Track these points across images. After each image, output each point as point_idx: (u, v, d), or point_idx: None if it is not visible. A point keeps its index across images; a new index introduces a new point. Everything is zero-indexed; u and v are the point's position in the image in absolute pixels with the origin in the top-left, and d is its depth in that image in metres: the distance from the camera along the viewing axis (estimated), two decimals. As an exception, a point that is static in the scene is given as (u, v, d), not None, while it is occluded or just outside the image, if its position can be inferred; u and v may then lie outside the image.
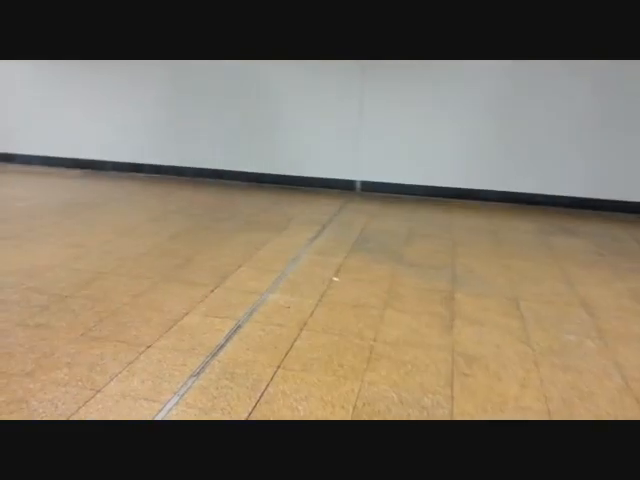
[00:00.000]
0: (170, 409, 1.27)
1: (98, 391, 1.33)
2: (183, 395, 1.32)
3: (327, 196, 3.54)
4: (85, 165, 4.22)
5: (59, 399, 1.29)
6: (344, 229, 2.80)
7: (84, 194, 3.48)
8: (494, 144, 3.36)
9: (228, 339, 1.60)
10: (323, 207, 3.24)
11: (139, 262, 2.23)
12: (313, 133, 3.66)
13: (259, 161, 3.85)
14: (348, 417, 1.27)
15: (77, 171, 4.18)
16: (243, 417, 1.25)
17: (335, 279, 2.11)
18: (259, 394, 1.34)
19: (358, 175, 3.67)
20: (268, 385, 1.38)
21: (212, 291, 1.94)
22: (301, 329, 1.69)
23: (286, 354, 1.53)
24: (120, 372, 1.41)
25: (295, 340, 1.62)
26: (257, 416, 1.26)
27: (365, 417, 1.28)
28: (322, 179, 3.75)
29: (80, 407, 1.27)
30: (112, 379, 1.38)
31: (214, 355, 1.50)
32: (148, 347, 1.54)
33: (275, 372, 1.44)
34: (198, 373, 1.41)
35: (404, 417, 1.28)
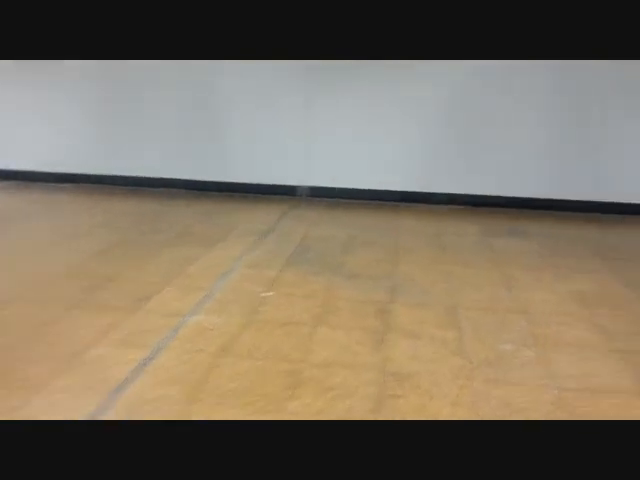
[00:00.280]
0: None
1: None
2: (77, 442, 1.20)
3: (270, 203, 3.44)
4: (9, 176, 3.97)
5: None
6: (283, 239, 2.71)
7: (1, 208, 3.26)
8: (445, 146, 3.35)
9: (137, 372, 1.47)
10: (264, 216, 3.15)
11: (51, 285, 2.07)
12: (256, 137, 3.56)
13: (200, 168, 3.71)
14: (263, 455, 1.18)
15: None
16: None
17: (267, 294, 2.01)
18: (165, 435, 1.23)
19: (304, 180, 3.59)
20: (177, 423, 1.27)
21: (128, 316, 1.81)
22: (223, 354, 1.59)
23: (201, 386, 1.42)
24: None
25: (215, 368, 1.51)
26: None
27: (282, 454, 1.19)
28: (266, 185, 3.65)
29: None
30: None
31: (118, 392, 1.38)
32: (39, 390, 1.40)
33: (185, 409, 1.33)
34: (94, 416, 1.28)
35: (325, 450, 1.20)
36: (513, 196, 3.35)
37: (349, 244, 2.64)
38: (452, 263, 2.40)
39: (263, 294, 2.01)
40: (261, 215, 3.15)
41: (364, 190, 3.51)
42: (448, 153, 3.36)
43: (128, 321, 1.78)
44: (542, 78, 3.12)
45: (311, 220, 3.07)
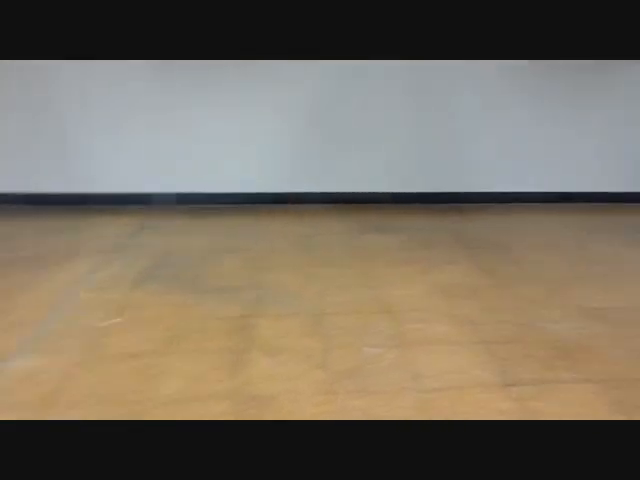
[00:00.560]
0: None
1: None
2: None
3: (124, 215, 3.15)
4: None
5: None
6: (136, 255, 2.47)
7: None
8: (313, 144, 3.31)
9: None
10: (115, 230, 2.86)
11: None
12: (108, 142, 3.23)
13: (45, 179, 3.29)
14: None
15: None
16: None
17: (111, 323, 1.79)
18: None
19: (164, 187, 3.35)
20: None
21: None
22: (48, 407, 1.36)
23: (12, 450, 1.19)
24: None
25: (34, 424, 1.28)
26: None
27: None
28: (121, 195, 3.34)
29: None
30: None
31: None
32: None
33: (-14, 484, 1.10)
34: None
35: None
36: (382, 192, 3.42)
37: (212, 254, 2.48)
38: (320, 265, 2.36)
39: (105, 323, 1.79)
40: (112, 229, 2.86)
41: (231, 194, 3.36)
42: (316, 152, 3.33)
43: None
44: (396, 78, 3.20)
45: (170, 231, 2.85)
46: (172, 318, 1.83)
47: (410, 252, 2.53)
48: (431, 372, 1.54)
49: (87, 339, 1.69)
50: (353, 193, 3.43)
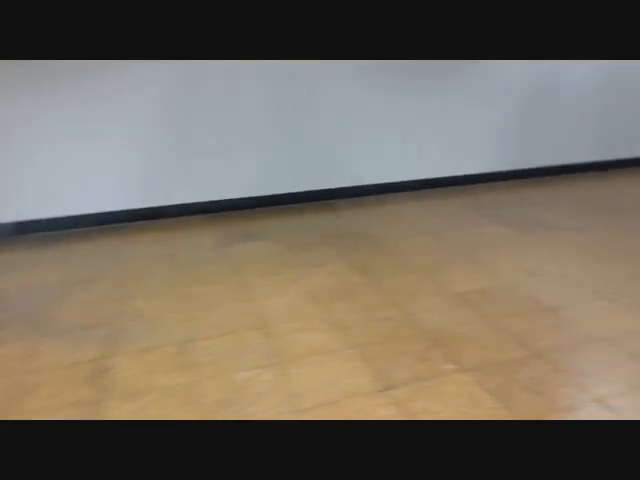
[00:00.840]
0: None
1: None
2: None
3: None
4: None
5: None
6: (-34, 301, 2.13)
7: None
8: (168, 154, 3.10)
9: None
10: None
11: None
12: None
13: None
14: None
15: None
16: None
17: None
18: None
19: (5, 215, 2.95)
20: None
21: None
22: None
23: None
24: None
25: None
26: None
27: None
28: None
29: None
30: None
31: None
32: None
33: None
34: None
35: None
36: (248, 196, 3.33)
37: (60, 289, 2.22)
38: (187, 285, 2.21)
39: None
40: None
41: (85, 215, 3.06)
42: (172, 162, 3.14)
43: None
44: (252, 79, 3.13)
45: (10, 267, 2.52)
46: (10, 374, 1.59)
47: (281, 257, 2.48)
48: (307, 388, 1.49)
49: None
50: (217, 201, 3.30)
